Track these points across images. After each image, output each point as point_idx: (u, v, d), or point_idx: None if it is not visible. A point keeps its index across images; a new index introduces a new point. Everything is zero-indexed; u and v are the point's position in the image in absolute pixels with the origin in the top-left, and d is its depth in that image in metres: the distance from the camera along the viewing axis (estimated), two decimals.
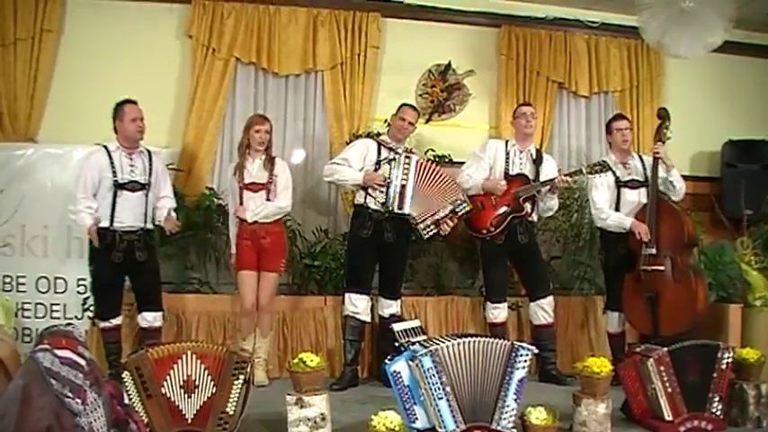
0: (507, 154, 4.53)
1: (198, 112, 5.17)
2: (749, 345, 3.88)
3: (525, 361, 2.97)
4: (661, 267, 4.18)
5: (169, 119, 5.22)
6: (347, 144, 4.87)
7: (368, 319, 4.34)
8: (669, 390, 3.29)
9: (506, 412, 2.93)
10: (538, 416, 2.88)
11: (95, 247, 3.92)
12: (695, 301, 4.10)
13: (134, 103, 4.03)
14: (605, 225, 4.43)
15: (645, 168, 4.43)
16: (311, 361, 2.99)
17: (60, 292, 4.59)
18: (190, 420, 2.94)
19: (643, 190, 4.40)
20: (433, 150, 5.33)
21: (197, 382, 2.95)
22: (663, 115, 4.48)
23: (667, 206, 4.29)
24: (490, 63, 5.76)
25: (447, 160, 5.23)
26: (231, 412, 2.97)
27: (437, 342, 2.98)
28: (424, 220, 4.20)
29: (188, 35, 5.24)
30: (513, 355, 2.96)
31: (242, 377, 2.98)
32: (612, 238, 4.41)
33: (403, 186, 4.20)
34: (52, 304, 4.58)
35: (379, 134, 4.73)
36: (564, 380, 4.26)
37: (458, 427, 2.87)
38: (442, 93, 5.65)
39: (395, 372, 2.90)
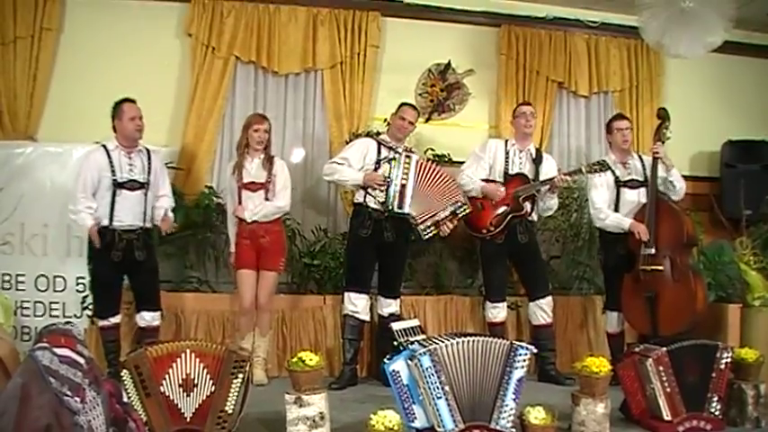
0: (507, 153, 4.53)
1: (197, 111, 5.16)
2: (748, 345, 3.88)
3: (524, 360, 2.97)
4: (660, 267, 4.18)
5: (169, 117, 5.22)
6: (347, 143, 4.87)
7: (367, 318, 4.34)
8: (668, 390, 3.29)
9: (505, 412, 2.93)
10: (537, 415, 2.88)
11: (95, 246, 3.92)
12: (694, 301, 4.10)
13: (133, 101, 4.03)
14: (604, 225, 4.43)
15: (644, 168, 4.43)
16: (310, 360, 2.99)
17: (59, 291, 4.59)
18: (188, 419, 2.94)
19: (643, 190, 4.40)
20: (432, 150, 5.33)
21: (196, 381, 2.96)
22: (662, 115, 4.48)
23: (667, 206, 4.29)
24: (490, 62, 5.76)
25: (446, 160, 5.23)
26: (230, 411, 2.97)
27: (436, 341, 2.98)
28: (424, 220, 4.20)
29: (188, 34, 5.24)
30: (512, 354, 2.96)
31: (241, 376, 2.99)
32: (612, 238, 4.41)
33: (403, 186, 4.20)
34: (51, 303, 4.58)
35: (378, 133, 4.72)
36: (563, 380, 4.26)
37: (456, 426, 2.87)
38: (442, 92, 5.65)
39: (394, 371, 2.90)
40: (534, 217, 4.55)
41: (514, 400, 2.94)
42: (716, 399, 3.36)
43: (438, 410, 2.85)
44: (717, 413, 3.36)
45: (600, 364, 3.14)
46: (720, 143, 5.89)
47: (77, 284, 4.55)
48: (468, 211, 4.28)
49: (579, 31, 5.87)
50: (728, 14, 4.52)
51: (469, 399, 2.93)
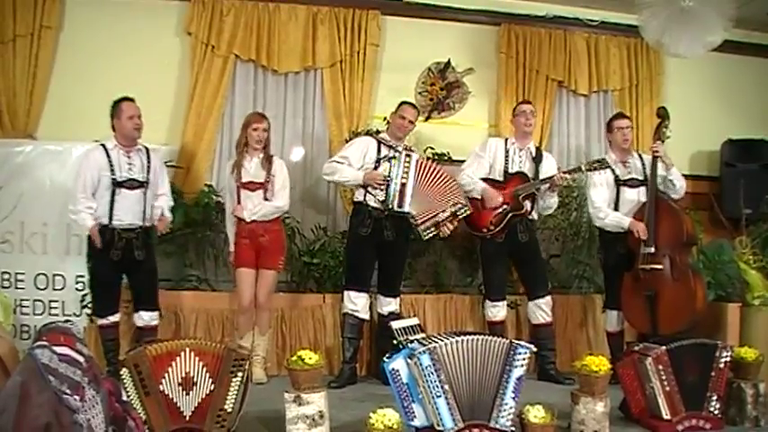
0: (507, 152, 4.53)
1: (197, 110, 5.16)
2: (747, 344, 3.88)
3: (524, 359, 2.97)
4: (660, 266, 4.18)
5: (168, 116, 5.21)
6: (346, 142, 4.87)
7: (367, 316, 4.34)
8: (667, 388, 3.30)
9: (505, 410, 2.93)
10: (536, 414, 2.88)
11: (94, 244, 3.91)
12: (694, 300, 4.10)
13: (131, 100, 4.02)
14: (603, 224, 4.43)
15: (644, 167, 4.43)
16: (310, 359, 2.99)
17: (59, 289, 4.59)
18: (188, 417, 2.94)
19: (642, 189, 4.40)
20: (432, 148, 5.32)
21: (195, 380, 2.95)
22: (662, 114, 4.48)
23: (666, 205, 4.29)
24: (490, 61, 5.76)
25: (446, 158, 5.22)
26: (229, 410, 2.97)
27: (436, 340, 2.98)
28: (425, 221, 4.20)
29: (187, 32, 5.23)
30: (512, 353, 2.96)
31: (240, 374, 2.99)
32: (611, 236, 4.41)
33: (403, 185, 4.20)
34: (51, 301, 4.58)
35: (378, 132, 4.73)
36: (562, 379, 4.27)
37: (456, 425, 2.87)
38: (442, 91, 5.65)
39: (393, 369, 2.90)
40: (534, 216, 4.55)
41: (514, 398, 2.94)
42: (715, 398, 3.37)
43: (437, 409, 2.85)
44: (716, 412, 3.37)
45: (599, 363, 3.14)
46: (720, 142, 5.89)
47: (77, 283, 4.55)
48: (468, 212, 4.28)
49: (579, 30, 5.86)
50: (728, 14, 4.52)
51: (469, 397, 2.93)
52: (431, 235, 4.25)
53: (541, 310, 4.47)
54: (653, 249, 4.19)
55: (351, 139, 4.88)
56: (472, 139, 5.14)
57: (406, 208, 4.19)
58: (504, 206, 4.40)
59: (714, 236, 5.36)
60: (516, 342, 3.01)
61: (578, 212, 5.33)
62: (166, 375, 2.93)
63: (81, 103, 4.92)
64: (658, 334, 4.03)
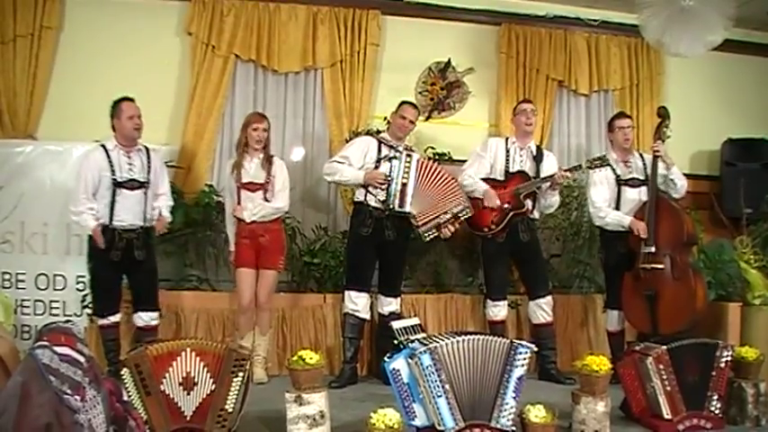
0: (507, 151, 4.52)
1: (197, 110, 5.16)
2: (748, 343, 3.88)
3: (524, 359, 2.96)
4: (660, 266, 4.18)
5: (168, 116, 5.21)
6: (347, 142, 4.87)
7: (367, 316, 4.34)
8: (668, 388, 3.29)
9: (505, 410, 2.93)
10: (537, 414, 2.88)
11: (95, 244, 3.91)
12: (694, 299, 4.10)
13: (131, 100, 4.02)
14: (604, 223, 4.43)
15: (645, 167, 4.43)
16: (310, 358, 2.99)
17: (59, 290, 4.59)
18: (189, 417, 2.94)
19: (644, 188, 4.40)
20: (432, 148, 5.32)
21: (196, 380, 2.95)
22: (663, 114, 4.48)
23: (667, 204, 4.28)
24: (490, 61, 5.75)
25: (447, 158, 5.22)
26: (230, 409, 2.97)
27: (436, 340, 2.97)
28: (426, 222, 4.19)
29: (188, 32, 5.23)
30: (513, 353, 2.96)
31: (241, 374, 2.98)
32: (612, 236, 4.41)
33: (404, 185, 4.19)
34: (51, 301, 4.58)
35: (378, 132, 4.73)
36: (563, 379, 4.27)
37: (457, 424, 2.86)
38: (442, 90, 5.65)
39: (394, 369, 2.90)
40: (536, 215, 4.55)
41: (515, 398, 2.94)
42: (716, 397, 3.36)
43: (438, 409, 2.85)
44: (717, 412, 3.37)
45: (600, 363, 3.14)
46: (720, 142, 5.89)
47: (77, 283, 4.55)
48: (470, 214, 4.28)
49: (579, 30, 5.86)
50: (729, 13, 4.52)
51: (470, 397, 2.93)
52: (432, 237, 4.25)
53: (542, 310, 4.47)
54: (653, 249, 4.19)
55: (351, 139, 4.88)
56: (472, 138, 5.14)
57: (407, 208, 4.19)
58: (506, 205, 4.40)
59: (715, 235, 5.37)
60: (517, 342, 3.01)
61: (579, 212, 5.33)
62: (167, 375, 2.92)
63: (81, 104, 4.92)
64: (659, 333, 4.03)
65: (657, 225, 4.22)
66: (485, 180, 4.48)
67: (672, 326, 4.04)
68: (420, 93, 5.62)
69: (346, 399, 3.78)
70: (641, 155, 4.54)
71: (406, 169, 4.21)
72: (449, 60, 5.63)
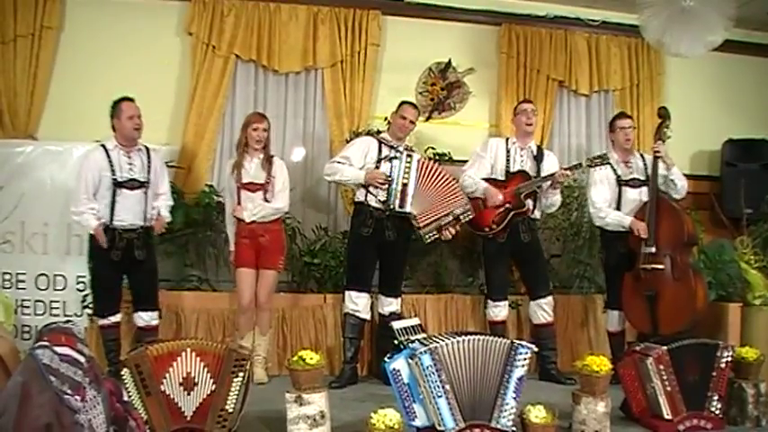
0: (508, 151, 4.52)
1: (198, 110, 5.16)
2: (748, 344, 3.88)
3: (525, 359, 2.97)
4: (660, 266, 4.18)
5: (169, 116, 5.21)
6: (347, 142, 4.87)
7: (367, 316, 4.33)
8: (668, 388, 3.30)
9: (506, 410, 2.93)
10: (537, 414, 2.88)
11: (95, 244, 3.92)
12: (695, 299, 4.10)
13: (131, 100, 4.02)
14: (604, 224, 4.43)
15: (646, 167, 4.43)
16: (311, 359, 2.99)
17: (60, 290, 4.59)
18: (189, 418, 2.95)
19: (644, 189, 4.40)
20: (433, 148, 5.32)
21: (196, 380, 2.95)
22: (663, 114, 4.48)
23: (667, 205, 4.28)
24: (490, 61, 5.75)
25: (447, 158, 5.22)
26: (230, 410, 2.97)
27: (437, 340, 2.97)
28: (427, 223, 4.19)
29: (188, 32, 5.23)
30: (513, 353, 2.96)
31: (241, 375, 2.99)
32: (612, 236, 4.41)
33: (405, 185, 4.19)
34: (52, 301, 4.58)
35: (379, 132, 4.72)
36: (563, 379, 4.27)
37: (457, 425, 2.87)
38: (443, 91, 5.65)
39: (394, 370, 2.90)
40: (537, 215, 4.55)
41: (515, 398, 2.94)
42: (716, 398, 3.37)
43: (438, 409, 2.85)
44: (717, 412, 3.37)
45: (600, 363, 3.14)
46: (721, 142, 5.89)
47: (78, 283, 4.55)
48: (471, 216, 4.28)
49: (580, 30, 5.86)
50: (729, 13, 4.52)
51: (470, 397, 2.93)
52: (433, 238, 4.25)
53: (543, 310, 4.47)
54: (654, 249, 4.19)
55: (351, 139, 4.88)
56: (473, 139, 5.14)
57: (408, 208, 4.19)
58: (506, 205, 4.40)
59: (715, 235, 5.36)
60: (517, 342, 3.01)
61: (579, 212, 5.33)
62: (167, 375, 2.93)
63: (82, 104, 4.92)
64: (659, 334, 4.03)
65: (658, 225, 4.22)
66: (485, 180, 4.48)
67: (672, 326, 4.04)
68: (420, 93, 5.62)
69: (346, 399, 3.78)
70: (642, 155, 4.54)
71: (407, 169, 4.21)
72: (449, 61, 5.63)
